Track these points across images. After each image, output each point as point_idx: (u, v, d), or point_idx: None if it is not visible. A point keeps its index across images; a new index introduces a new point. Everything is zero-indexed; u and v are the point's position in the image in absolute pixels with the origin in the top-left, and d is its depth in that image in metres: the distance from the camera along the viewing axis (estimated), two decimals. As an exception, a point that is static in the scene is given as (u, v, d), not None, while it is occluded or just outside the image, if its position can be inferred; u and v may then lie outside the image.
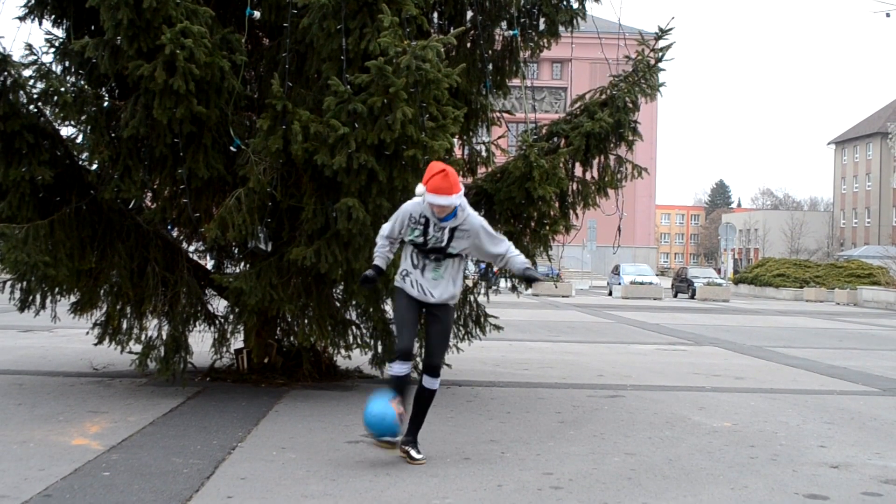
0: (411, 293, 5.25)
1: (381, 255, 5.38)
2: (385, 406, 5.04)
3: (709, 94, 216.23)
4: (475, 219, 5.25)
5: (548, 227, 7.37)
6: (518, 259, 5.36)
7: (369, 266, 5.45)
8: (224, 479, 4.71)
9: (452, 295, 5.30)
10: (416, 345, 6.13)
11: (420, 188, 5.12)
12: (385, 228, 5.37)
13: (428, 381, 5.23)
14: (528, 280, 5.49)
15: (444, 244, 5.17)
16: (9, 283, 7.33)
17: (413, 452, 5.20)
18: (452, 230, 5.16)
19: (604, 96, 7.55)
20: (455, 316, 5.69)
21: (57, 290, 7.44)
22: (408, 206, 5.26)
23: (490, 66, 7.83)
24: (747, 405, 7.73)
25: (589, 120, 7.29)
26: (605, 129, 7.23)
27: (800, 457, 5.67)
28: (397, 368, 5.17)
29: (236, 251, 8.01)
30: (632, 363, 10.93)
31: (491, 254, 5.33)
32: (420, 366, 5.72)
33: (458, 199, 5.09)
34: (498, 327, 8.34)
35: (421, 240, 5.19)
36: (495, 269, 5.44)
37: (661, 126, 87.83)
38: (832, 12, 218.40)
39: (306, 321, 7.34)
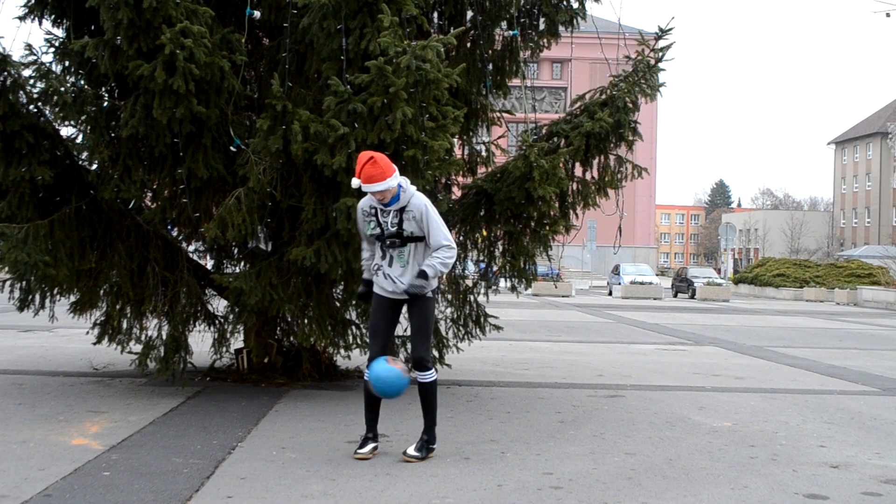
0: (385, 287, 5.31)
1: (367, 267, 5.54)
2: (386, 370, 5.10)
3: (709, 94, 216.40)
4: (419, 198, 5.25)
5: (548, 227, 7.37)
6: (430, 261, 5.16)
7: (360, 281, 5.60)
8: (224, 479, 4.72)
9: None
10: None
11: (355, 181, 5.11)
12: (363, 241, 5.55)
13: (419, 376, 5.28)
14: (406, 291, 5.22)
15: (396, 228, 5.21)
16: (8, 283, 7.33)
17: (410, 449, 5.28)
18: (399, 212, 5.20)
19: (604, 96, 7.55)
20: (434, 307, 5.65)
21: (57, 289, 7.45)
22: (359, 204, 5.41)
23: (490, 66, 7.83)
24: (747, 405, 7.73)
25: (589, 120, 7.29)
26: (605, 129, 7.22)
27: (800, 457, 5.67)
28: (368, 375, 5.27)
29: (236, 251, 8.00)
30: (632, 363, 10.93)
31: (430, 239, 5.19)
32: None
33: (395, 180, 5.11)
34: (498, 327, 8.34)
35: (378, 231, 5.27)
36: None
37: (661, 126, 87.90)
38: (832, 12, 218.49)
39: (306, 321, 7.34)
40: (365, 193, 5.27)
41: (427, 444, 5.32)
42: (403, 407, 6.46)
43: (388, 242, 5.27)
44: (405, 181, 5.25)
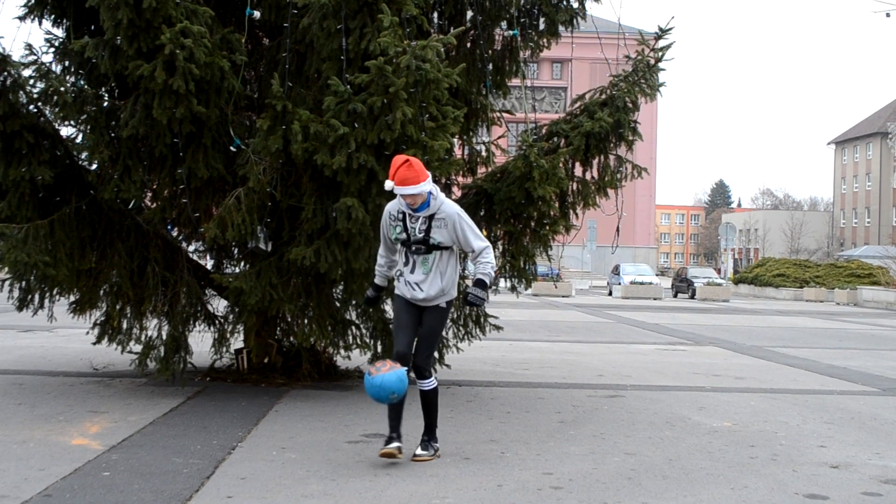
0: (404, 293, 5.30)
1: (379, 273, 5.59)
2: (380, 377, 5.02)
3: (709, 94, 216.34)
4: (450, 206, 5.23)
5: (548, 227, 7.37)
6: (481, 269, 5.26)
7: (370, 285, 5.72)
8: (224, 479, 4.72)
9: (441, 290, 5.23)
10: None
11: (388, 183, 5.11)
12: (381, 247, 5.52)
13: (418, 383, 5.29)
14: (467, 300, 5.35)
15: (423, 235, 5.18)
16: (8, 282, 7.33)
17: (418, 450, 5.30)
18: (429, 219, 5.17)
19: (604, 96, 7.55)
20: (447, 319, 5.61)
21: (56, 289, 7.44)
22: (386, 207, 5.38)
23: (490, 66, 7.83)
24: (747, 405, 7.73)
25: (589, 120, 7.29)
26: (604, 129, 7.23)
27: (800, 457, 5.67)
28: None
29: (236, 251, 8.01)
30: (632, 363, 10.93)
31: (469, 246, 5.20)
32: None
33: (427, 186, 5.09)
34: (498, 327, 8.34)
35: (404, 236, 5.25)
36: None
37: (661, 126, 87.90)
38: (832, 12, 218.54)
39: (306, 321, 7.35)
40: (394, 196, 5.26)
41: (431, 444, 5.33)
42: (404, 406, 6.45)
43: (413, 248, 5.24)
44: (436, 189, 5.22)
